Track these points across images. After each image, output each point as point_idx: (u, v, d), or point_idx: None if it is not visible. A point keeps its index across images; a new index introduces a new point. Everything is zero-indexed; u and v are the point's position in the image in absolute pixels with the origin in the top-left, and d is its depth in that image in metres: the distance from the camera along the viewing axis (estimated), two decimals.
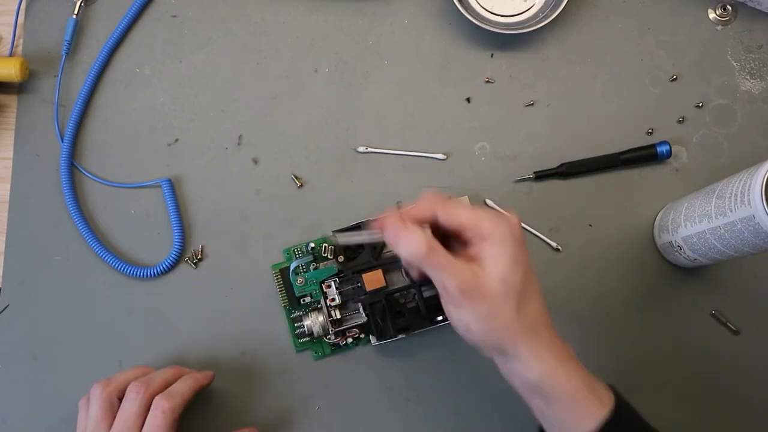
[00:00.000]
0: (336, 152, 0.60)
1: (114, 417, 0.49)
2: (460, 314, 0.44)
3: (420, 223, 0.45)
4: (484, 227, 0.43)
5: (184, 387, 0.50)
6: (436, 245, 0.43)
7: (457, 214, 0.44)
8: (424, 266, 0.43)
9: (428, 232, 0.44)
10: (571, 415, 0.44)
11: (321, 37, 0.61)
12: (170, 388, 0.50)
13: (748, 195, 0.45)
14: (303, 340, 0.55)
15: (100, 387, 0.50)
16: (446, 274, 0.42)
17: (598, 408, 0.43)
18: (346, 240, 0.53)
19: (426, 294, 0.56)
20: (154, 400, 0.49)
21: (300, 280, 0.55)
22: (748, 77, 0.61)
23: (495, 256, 0.42)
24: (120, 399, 0.50)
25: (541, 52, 0.61)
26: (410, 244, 0.43)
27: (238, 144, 0.60)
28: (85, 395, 0.51)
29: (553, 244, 0.58)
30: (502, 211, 0.58)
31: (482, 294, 0.42)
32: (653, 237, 0.58)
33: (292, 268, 0.56)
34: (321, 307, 0.55)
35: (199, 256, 0.58)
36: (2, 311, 0.57)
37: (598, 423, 0.42)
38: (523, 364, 0.43)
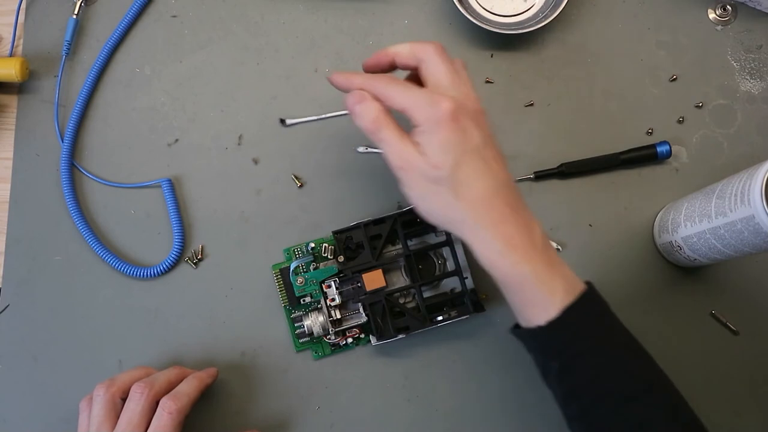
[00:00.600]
0: (336, 152, 0.60)
1: (117, 417, 0.49)
2: (407, 192, 0.45)
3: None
4: (415, 115, 0.44)
5: (189, 388, 0.50)
6: (386, 121, 0.45)
7: (393, 100, 0.45)
8: (373, 139, 0.45)
9: (382, 106, 0.45)
10: (523, 305, 0.44)
11: (321, 37, 0.61)
12: (176, 388, 0.50)
13: (748, 195, 0.45)
14: (303, 340, 0.55)
15: (104, 387, 0.49)
16: (388, 149, 0.45)
17: (548, 301, 0.43)
18: (294, 122, 0.52)
19: (426, 294, 0.56)
20: (160, 401, 0.49)
21: (300, 280, 0.55)
22: (748, 77, 0.61)
23: (427, 143, 0.44)
24: (123, 399, 0.49)
25: (541, 52, 0.61)
26: (363, 117, 0.45)
27: (238, 144, 0.60)
28: (86, 396, 0.51)
29: (553, 244, 0.58)
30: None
31: (417, 175, 0.44)
32: (653, 237, 0.58)
33: (292, 268, 0.56)
34: (321, 307, 0.55)
35: (199, 256, 0.58)
36: (2, 311, 0.57)
37: (549, 318, 0.42)
38: (473, 248, 0.44)
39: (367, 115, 0.45)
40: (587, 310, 0.44)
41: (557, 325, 0.42)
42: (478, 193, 0.44)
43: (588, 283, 0.45)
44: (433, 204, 0.44)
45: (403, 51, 0.47)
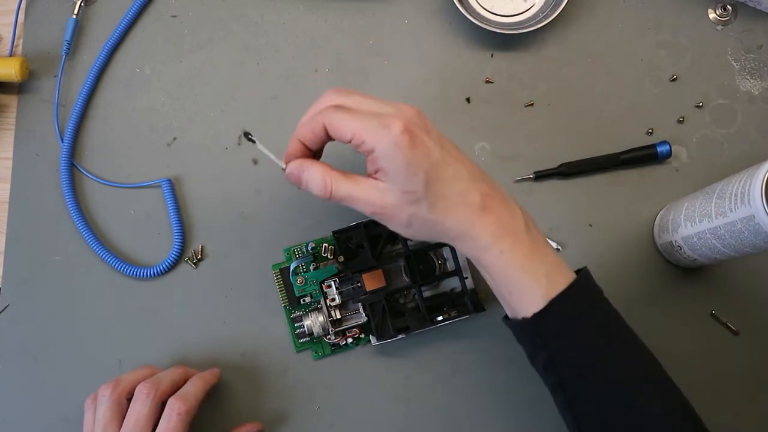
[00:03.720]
0: (336, 152, 0.59)
1: (123, 418, 0.48)
2: (390, 227, 0.45)
3: (320, 144, 0.45)
4: (368, 143, 0.42)
5: (196, 389, 0.50)
6: (336, 180, 0.44)
7: (343, 131, 0.43)
8: (334, 201, 0.44)
9: (324, 167, 0.44)
10: (509, 296, 0.44)
11: (321, 37, 0.61)
12: (183, 390, 0.50)
13: (748, 195, 0.45)
14: (303, 340, 0.55)
15: (110, 388, 0.49)
16: (355, 204, 0.44)
17: (534, 292, 0.42)
18: (260, 148, 0.47)
19: (426, 294, 0.56)
20: (168, 402, 0.48)
21: (300, 280, 0.55)
22: (748, 77, 0.61)
23: (387, 170, 0.42)
24: (128, 400, 0.49)
25: (541, 52, 0.61)
26: (313, 186, 0.44)
27: (238, 144, 0.60)
28: (91, 394, 0.50)
29: (553, 244, 0.58)
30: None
31: (392, 208, 0.43)
32: (653, 237, 0.58)
33: (292, 268, 0.56)
34: (321, 307, 0.55)
35: (199, 256, 0.58)
36: (2, 311, 0.57)
37: (535, 309, 0.42)
38: (458, 244, 0.44)
39: (315, 182, 0.44)
40: (576, 300, 0.43)
41: (544, 316, 0.42)
42: (456, 198, 0.43)
43: (580, 271, 0.44)
44: (418, 227, 0.44)
45: (311, 114, 0.46)
